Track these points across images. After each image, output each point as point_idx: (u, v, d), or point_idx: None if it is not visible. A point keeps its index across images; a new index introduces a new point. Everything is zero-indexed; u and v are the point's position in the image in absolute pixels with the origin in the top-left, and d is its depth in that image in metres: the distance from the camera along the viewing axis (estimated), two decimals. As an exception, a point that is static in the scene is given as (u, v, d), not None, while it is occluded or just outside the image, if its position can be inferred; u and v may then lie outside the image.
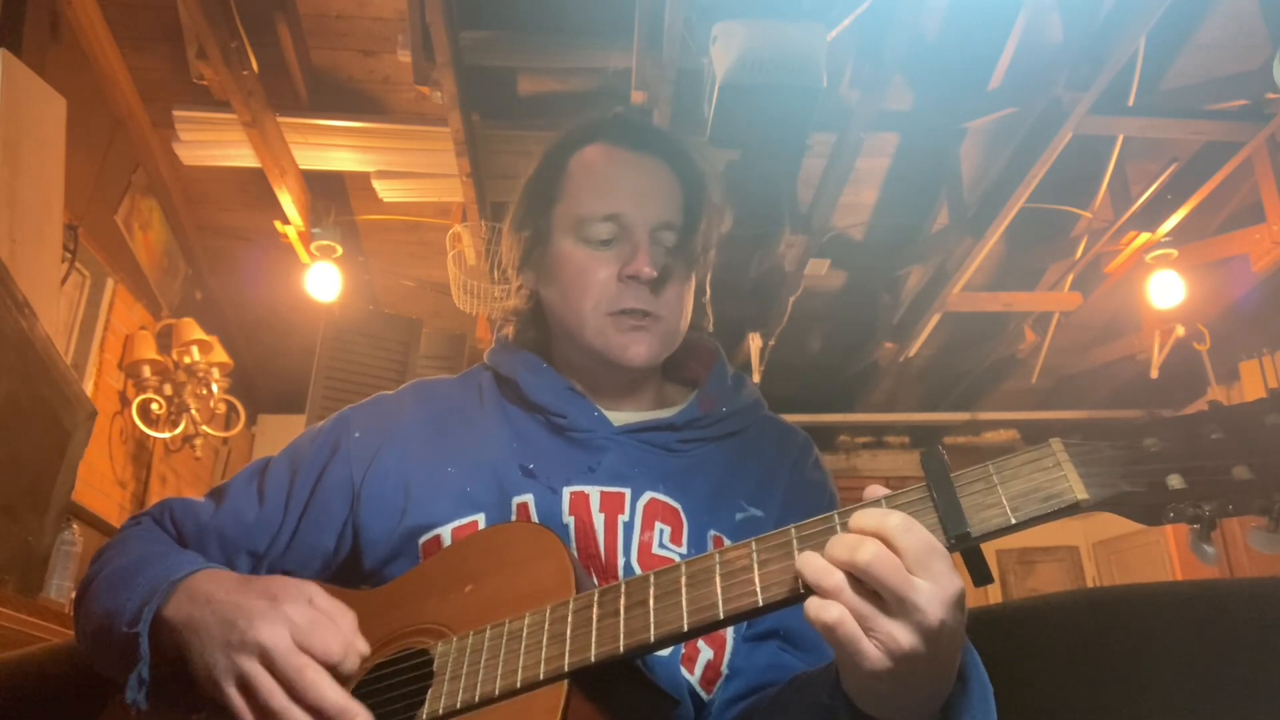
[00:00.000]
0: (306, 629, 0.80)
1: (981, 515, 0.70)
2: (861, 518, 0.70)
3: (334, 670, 0.80)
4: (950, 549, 0.69)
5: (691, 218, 1.08)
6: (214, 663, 0.82)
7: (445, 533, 0.99)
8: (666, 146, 1.12)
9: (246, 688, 0.79)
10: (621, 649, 0.75)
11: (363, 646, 0.83)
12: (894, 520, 0.68)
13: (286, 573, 1.06)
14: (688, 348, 1.17)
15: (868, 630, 0.67)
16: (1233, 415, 0.68)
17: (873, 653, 0.66)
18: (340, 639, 0.81)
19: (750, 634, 0.99)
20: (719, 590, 0.74)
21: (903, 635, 0.66)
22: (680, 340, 1.10)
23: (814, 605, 0.68)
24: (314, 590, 0.84)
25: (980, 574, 0.69)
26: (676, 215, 1.07)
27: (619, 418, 1.08)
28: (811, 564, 0.69)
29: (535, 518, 0.99)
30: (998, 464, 0.72)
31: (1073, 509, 0.68)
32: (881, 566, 0.66)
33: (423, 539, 1.00)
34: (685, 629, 0.74)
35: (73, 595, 2.75)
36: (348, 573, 1.06)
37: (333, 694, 0.78)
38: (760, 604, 0.72)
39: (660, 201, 1.07)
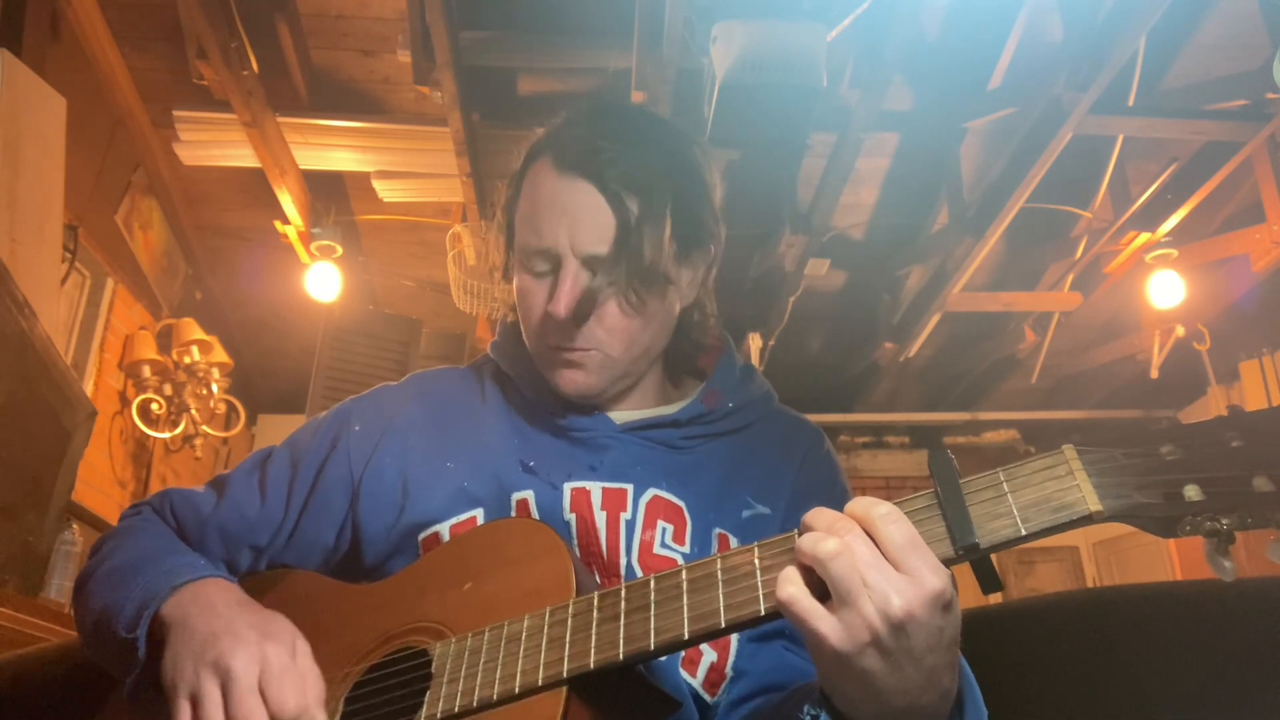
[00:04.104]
0: (276, 676, 0.80)
1: (991, 525, 0.68)
2: (852, 504, 0.70)
3: None
4: (958, 559, 0.68)
5: (626, 240, 0.97)
6: (180, 668, 0.83)
7: (444, 529, 0.99)
8: (598, 165, 0.98)
9: (197, 704, 0.80)
10: (621, 656, 0.74)
11: (319, 718, 0.82)
12: (881, 509, 0.68)
13: (286, 566, 1.06)
14: (697, 339, 1.14)
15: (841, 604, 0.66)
16: (1253, 422, 0.65)
17: (835, 632, 0.66)
18: (299, 699, 0.81)
19: (755, 634, 0.98)
20: (720, 597, 0.73)
21: (857, 622, 0.65)
22: (641, 365, 1.05)
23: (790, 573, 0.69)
24: (302, 645, 0.85)
25: (989, 582, 0.68)
26: (603, 244, 0.97)
27: (621, 416, 1.07)
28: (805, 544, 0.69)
29: (536, 515, 0.98)
30: (1008, 471, 0.70)
31: (1085, 520, 0.66)
32: (843, 562, 0.66)
33: (422, 535, 0.99)
34: (686, 637, 0.73)
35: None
36: (349, 567, 1.05)
37: None
38: (762, 613, 0.71)
39: (586, 230, 0.97)
